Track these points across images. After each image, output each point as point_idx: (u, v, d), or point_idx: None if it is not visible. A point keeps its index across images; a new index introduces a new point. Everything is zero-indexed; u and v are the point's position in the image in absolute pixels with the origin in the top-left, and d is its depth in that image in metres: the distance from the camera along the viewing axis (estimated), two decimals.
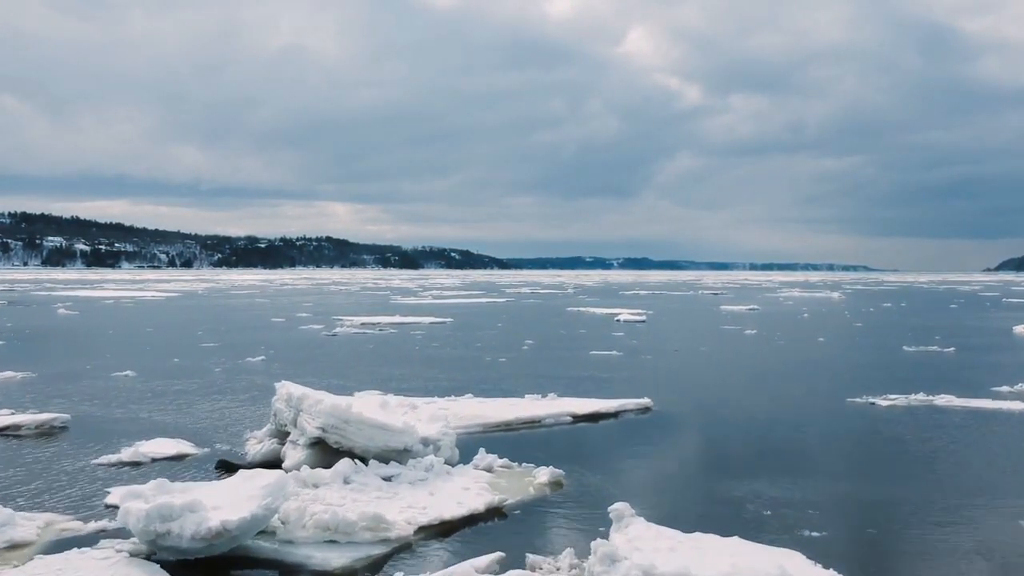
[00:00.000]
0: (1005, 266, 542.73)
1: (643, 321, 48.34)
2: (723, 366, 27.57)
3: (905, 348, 32.48)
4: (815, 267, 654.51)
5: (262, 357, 27.96)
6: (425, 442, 12.16)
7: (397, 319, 47.96)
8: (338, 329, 40.15)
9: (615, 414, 17.52)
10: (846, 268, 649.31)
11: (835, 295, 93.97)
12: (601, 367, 26.29)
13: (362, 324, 43.76)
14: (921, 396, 19.57)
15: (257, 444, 13.06)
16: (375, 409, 12.42)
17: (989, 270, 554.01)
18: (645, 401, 18.36)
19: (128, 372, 23.89)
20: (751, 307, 66.29)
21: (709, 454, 14.45)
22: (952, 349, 31.94)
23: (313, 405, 11.64)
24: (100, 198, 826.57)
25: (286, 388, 12.63)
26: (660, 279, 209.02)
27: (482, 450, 12.77)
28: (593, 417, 17.16)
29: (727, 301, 77.70)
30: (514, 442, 14.90)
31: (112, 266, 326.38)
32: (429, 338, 36.61)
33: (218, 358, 28.11)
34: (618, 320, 48.81)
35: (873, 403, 19.11)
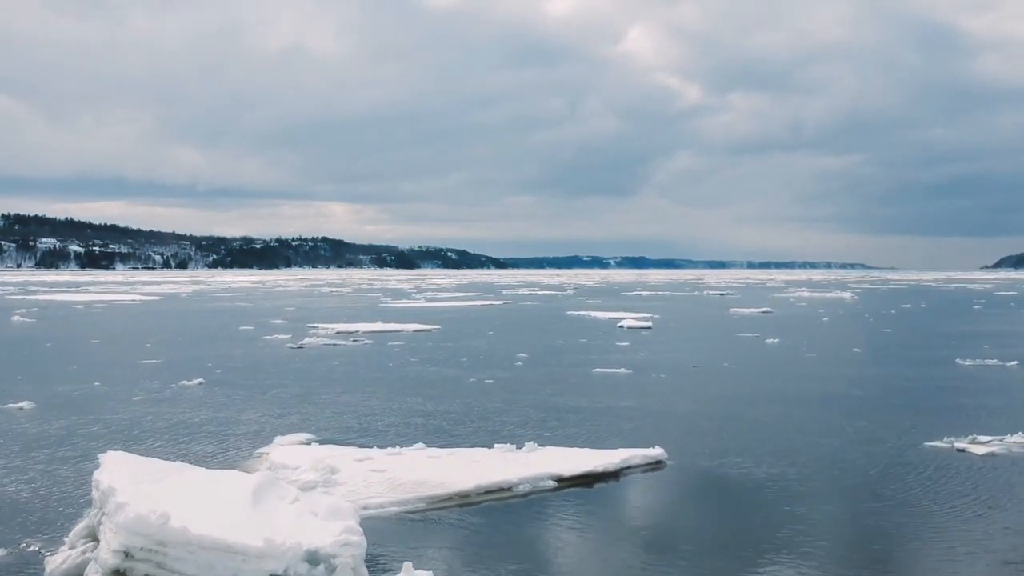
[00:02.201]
0: (1003, 263, 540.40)
1: (649, 328, 43.76)
2: (750, 392, 22.08)
3: (959, 362, 27.65)
4: (813, 265, 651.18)
5: (200, 380, 23.36)
6: (312, 559, 7.49)
7: (378, 326, 43.38)
8: (307, 340, 35.60)
9: (615, 474, 12.79)
10: (844, 266, 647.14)
11: (846, 295, 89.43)
12: (603, 392, 21.63)
13: (337, 333, 39.22)
14: (1020, 438, 14.87)
15: (68, 550, 8.48)
16: (234, 505, 7.79)
17: (987, 267, 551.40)
18: (657, 452, 13.63)
19: (24, 403, 19.30)
20: (764, 310, 61.57)
21: (757, 555, 9.46)
22: (1015, 363, 27.12)
23: (115, 511, 6.97)
24: (98, 199, 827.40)
25: (105, 468, 8.03)
26: (661, 278, 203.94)
27: (408, 565, 8.10)
28: (585, 479, 12.42)
29: (735, 303, 72.93)
30: (467, 530, 10.24)
31: (106, 267, 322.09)
32: (408, 351, 32.06)
33: (150, 380, 23.60)
34: (621, 327, 44.32)
35: (962, 449, 14.33)
